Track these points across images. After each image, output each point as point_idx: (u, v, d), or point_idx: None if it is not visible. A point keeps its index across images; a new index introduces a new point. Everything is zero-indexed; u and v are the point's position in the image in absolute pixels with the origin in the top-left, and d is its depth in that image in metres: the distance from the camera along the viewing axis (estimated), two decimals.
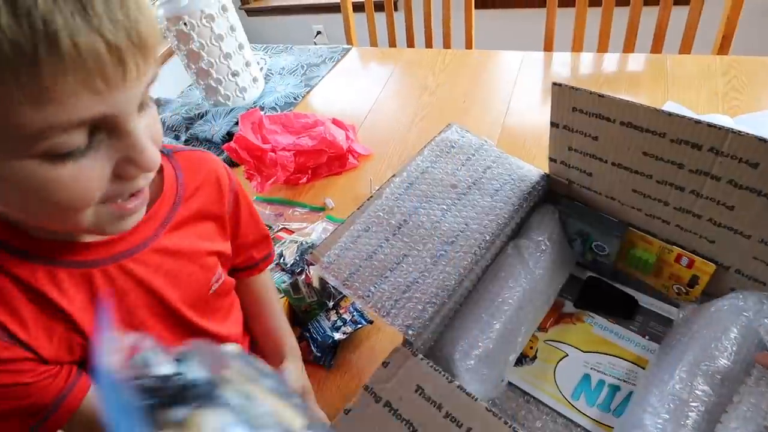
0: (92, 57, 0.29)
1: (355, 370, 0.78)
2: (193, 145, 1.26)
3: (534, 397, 0.66)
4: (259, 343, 0.72)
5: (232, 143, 1.07)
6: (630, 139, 0.58)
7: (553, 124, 0.66)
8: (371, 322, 0.80)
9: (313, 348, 0.79)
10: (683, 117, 0.52)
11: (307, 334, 0.80)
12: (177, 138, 1.29)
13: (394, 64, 1.48)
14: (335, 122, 1.15)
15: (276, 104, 1.36)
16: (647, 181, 0.60)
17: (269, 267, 0.74)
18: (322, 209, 1.02)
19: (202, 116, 1.30)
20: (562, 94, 0.61)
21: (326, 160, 1.08)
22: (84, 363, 0.50)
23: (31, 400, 0.45)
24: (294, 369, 0.67)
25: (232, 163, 1.12)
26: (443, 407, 0.53)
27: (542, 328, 0.72)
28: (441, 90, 1.32)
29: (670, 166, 0.57)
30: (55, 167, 0.32)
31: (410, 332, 0.59)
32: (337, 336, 0.78)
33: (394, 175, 0.74)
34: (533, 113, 1.19)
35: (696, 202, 0.58)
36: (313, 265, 0.86)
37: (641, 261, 0.69)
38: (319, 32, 2.92)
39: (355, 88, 1.42)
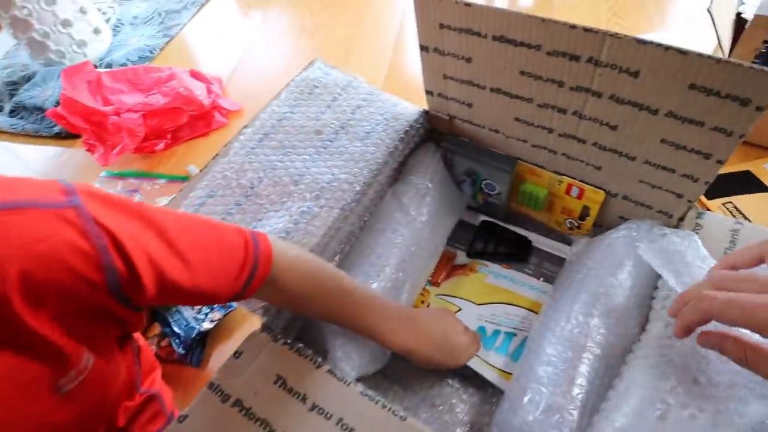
0: None
1: None
2: (21, 116, 1.02)
3: None
4: None
5: (58, 108, 0.86)
6: (505, 56, 0.49)
7: (422, 48, 0.56)
8: None
9: (175, 346, 0.66)
10: (557, 22, 0.44)
11: (168, 330, 0.67)
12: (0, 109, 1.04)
13: (266, 6, 1.30)
14: (193, 74, 0.97)
15: (128, 59, 1.14)
16: (528, 106, 0.53)
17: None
18: (186, 178, 0.87)
19: (29, 79, 1.05)
20: (426, 6, 0.51)
21: (188, 120, 0.91)
22: None
23: None
24: None
25: (69, 134, 0.91)
26: (308, 399, 0.44)
27: (434, 282, 0.65)
28: (321, 31, 1.18)
29: (549, 86, 0.49)
30: None
31: (267, 314, 0.49)
32: (205, 326, 0.66)
33: (245, 126, 0.61)
34: None
35: (579, 125, 0.51)
36: None
37: (533, 197, 0.63)
38: None
39: (222, 35, 1.23)
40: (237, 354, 0.46)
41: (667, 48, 0.41)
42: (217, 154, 0.58)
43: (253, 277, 0.40)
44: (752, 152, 0.82)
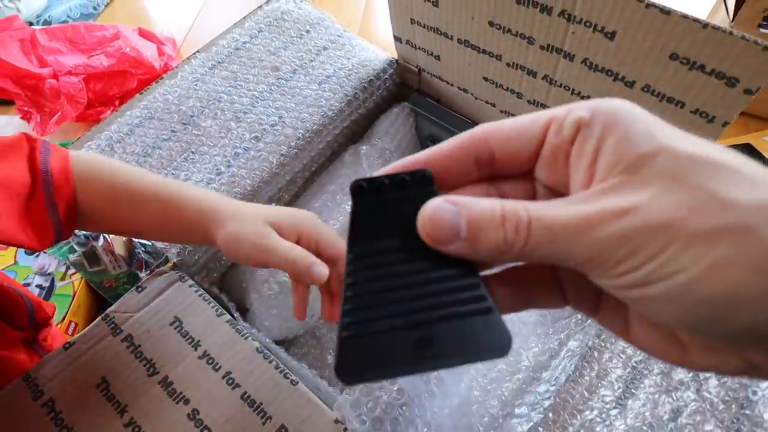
0: None
1: None
2: None
3: None
4: None
5: None
6: (473, 1, 0.43)
7: None
8: None
9: None
10: None
11: None
12: None
13: None
14: (142, 34, 0.89)
15: (69, 16, 1.07)
16: (497, 64, 0.47)
17: None
18: None
19: None
20: None
21: (137, 85, 0.84)
22: None
23: None
24: None
25: (1, 101, 0.85)
26: (201, 346, 0.41)
27: None
28: None
29: (519, 42, 0.43)
30: None
31: (175, 251, 0.46)
32: None
33: (197, 51, 0.56)
34: None
35: (549, 91, 0.46)
36: None
37: None
38: None
39: None
40: (139, 288, 0.44)
41: (649, 5, 0.35)
42: (161, 78, 0.54)
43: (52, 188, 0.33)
44: (752, 124, 0.75)
